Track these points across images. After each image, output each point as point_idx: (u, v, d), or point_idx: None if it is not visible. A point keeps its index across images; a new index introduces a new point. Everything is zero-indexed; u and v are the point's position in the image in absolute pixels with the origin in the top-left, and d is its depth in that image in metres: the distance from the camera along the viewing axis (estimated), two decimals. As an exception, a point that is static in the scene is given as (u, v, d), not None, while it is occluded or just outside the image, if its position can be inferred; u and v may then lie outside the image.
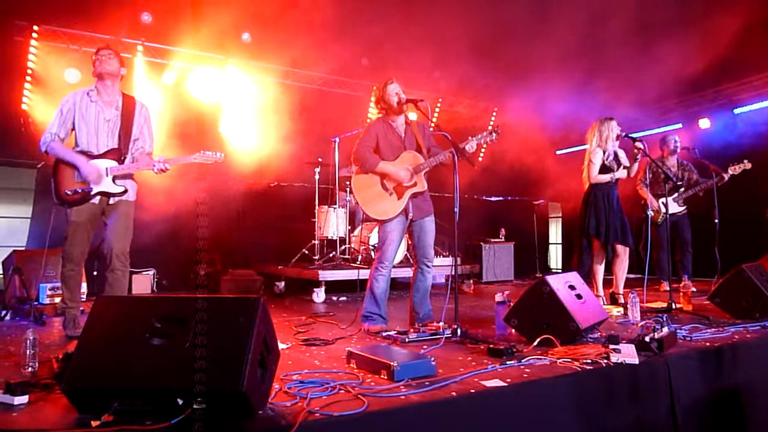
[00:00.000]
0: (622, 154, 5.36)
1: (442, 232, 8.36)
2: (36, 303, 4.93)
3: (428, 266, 4.28)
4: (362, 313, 4.21)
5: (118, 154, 3.99)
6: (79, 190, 3.90)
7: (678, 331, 3.68)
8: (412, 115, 8.19)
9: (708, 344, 3.43)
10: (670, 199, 6.47)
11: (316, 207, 7.21)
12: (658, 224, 6.33)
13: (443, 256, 7.59)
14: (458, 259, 4.01)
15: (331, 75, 8.14)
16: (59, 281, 4.13)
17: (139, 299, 2.48)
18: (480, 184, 8.84)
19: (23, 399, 2.29)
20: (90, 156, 3.94)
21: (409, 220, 4.24)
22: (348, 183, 6.52)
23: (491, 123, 9.95)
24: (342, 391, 2.41)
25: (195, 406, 1.96)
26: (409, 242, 4.46)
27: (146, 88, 6.94)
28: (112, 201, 4.01)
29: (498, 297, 3.99)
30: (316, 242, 7.14)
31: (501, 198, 9.70)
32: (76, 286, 4.11)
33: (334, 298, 6.32)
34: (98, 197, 3.96)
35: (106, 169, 3.94)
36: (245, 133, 7.57)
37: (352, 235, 7.19)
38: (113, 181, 3.97)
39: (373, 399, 2.30)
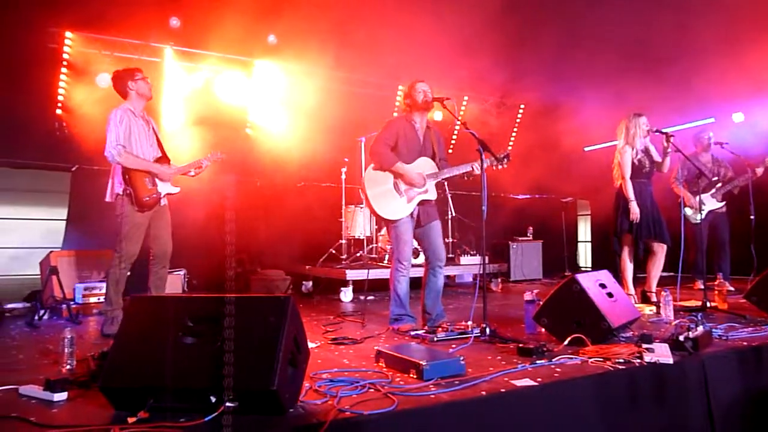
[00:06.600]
0: (653, 150, 5.26)
1: (470, 230, 8.40)
2: (72, 303, 5.06)
3: (441, 267, 4.31)
4: (390, 316, 4.23)
5: (167, 160, 4.50)
6: (154, 195, 4.33)
7: (713, 330, 3.59)
8: (438, 115, 8.24)
9: (745, 344, 3.35)
10: (708, 195, 6.32)
11: (343, 207, 7.25)
12: (696, 222, 6.15)
13: (470, 255, 7.55)
14: (486, 258, 3.99)
15: (357, 74, 8.16)
16: (107, 282, 4.28)
17: (172, 299, 2.52)
18: (507, 182, 8.77)
19: (62, 396, 2.37)
20: None
21: (416, 223, 4.26)
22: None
23: (516, 122, 9.87)
24: (371, 390, 2.42)
25: (227, 404, 1.99)
26: (419, 246, 4.47)
27: (175, 91, 7.05)
28: (163, 203, 4.43)
29: (527, 296, 3.96)
30: (344, 242, 7.17)
31: (528, 196, 9.60)
32: (122, 287, 4.28)
33: (362, 298, 6.34)
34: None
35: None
36: (272, 134, 7.64)
37: (378, 234, 7.20)
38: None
39: (402, 398, 2.30)
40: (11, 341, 3.95)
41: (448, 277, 7.82)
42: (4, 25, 5.85)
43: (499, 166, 4.12)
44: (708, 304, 4.68)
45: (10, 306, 5.27)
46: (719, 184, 6.38)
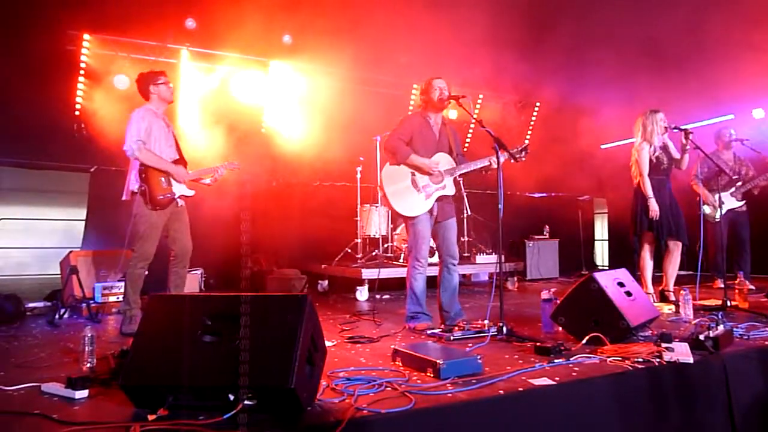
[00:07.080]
0: (672, 147, 5.19)
1: (485, 229, 8.37)
2: (92, 302, 5.13)
3: (454, 264, 4.28)
4: (406, 314, 4.22)
5: (185, 163, 4.55)
6: (168, 195, 4.36)
7: (734, 329, 3.54)
8: (453, 113, 8.21)
9: (767, 343, 3.30)
10: (727, 193, 6.22)
11: (359, 206, 7.26)
12: (715, 221, 6.05)
13: (486, 254, 7.52)
14: (502, 257, 3.97)
15: (372, 74, 8.16)
16: (125, 281, 4.37)
17: (190, 297, 2.55)
18: (523, 181, 8.72)
19: (84, 393, 2.40)
20: None
21: (434, 220, 4.24)
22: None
23: (532, 119, 9.82)
24: (388, 389, 2.43)
25: (245, 402, 2.01)
26: (434, 242, 4.45)
27: (191, 92, 7.11)
28: (180, 204, 4.46)
29: (544, 294, 3.93)
30: (359, 241, 7.18)
31: (545, 194, 9.54)
32: (140, 287, 4.33)
33: (378, 297, 6.35)
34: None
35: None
36: (288, 134, 7.68)
37: (394, 233, 7.20)
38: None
39: (419, 396, 2.30)
40: (33, 340, 4.01)
41: (463, 276, 7.80)
42: (23, 28, 5.95)
43: (517, 160, 4.09)
44: (728, 303, 4.62)
45: (31, 305, 5.36)
46: (739, 183, 6.28)
